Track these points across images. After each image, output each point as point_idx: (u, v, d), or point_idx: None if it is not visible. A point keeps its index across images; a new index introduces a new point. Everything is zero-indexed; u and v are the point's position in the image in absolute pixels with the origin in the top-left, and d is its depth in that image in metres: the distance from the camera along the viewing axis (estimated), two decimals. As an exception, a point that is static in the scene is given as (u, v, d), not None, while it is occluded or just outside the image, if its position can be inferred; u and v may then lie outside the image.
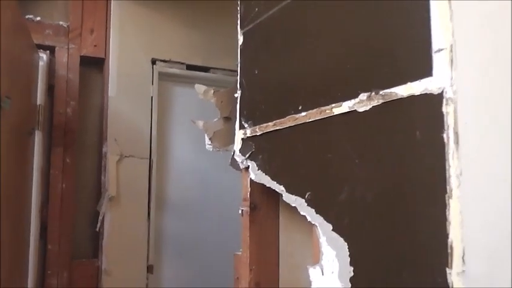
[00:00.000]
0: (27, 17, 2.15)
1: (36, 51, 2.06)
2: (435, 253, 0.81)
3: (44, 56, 2.13)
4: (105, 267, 2.13)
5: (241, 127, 1.47)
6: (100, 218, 2.16)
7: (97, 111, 2.35)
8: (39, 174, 2.03)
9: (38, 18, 2.19)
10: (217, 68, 2.59)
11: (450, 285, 0.78)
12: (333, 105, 1.07)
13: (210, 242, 2.47)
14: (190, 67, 2.53)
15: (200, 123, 1.67)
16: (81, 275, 2.13)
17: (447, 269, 0.78)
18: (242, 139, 1.45)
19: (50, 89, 2.18)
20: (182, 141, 2.53)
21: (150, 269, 2.26)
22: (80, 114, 2.26)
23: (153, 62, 2.42)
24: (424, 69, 0.84)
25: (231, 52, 2.56)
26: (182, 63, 2.51)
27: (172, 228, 2.42)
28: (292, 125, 1.21)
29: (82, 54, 2.26)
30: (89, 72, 2.34)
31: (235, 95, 1.53)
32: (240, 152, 1.45)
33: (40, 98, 2.08)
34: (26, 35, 1.81)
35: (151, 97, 2.39)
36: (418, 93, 0.86)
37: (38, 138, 2.04)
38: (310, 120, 1.14)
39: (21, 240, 1.84)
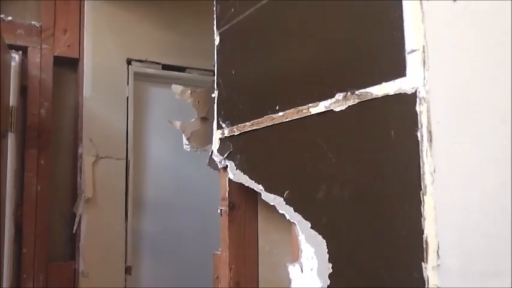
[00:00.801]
0: (-2, 16, 2.11)
1: (7, 51, 2.02)
2: (411, 249, 0.83)
3: (16, 56, 2.10)
4: (82, 269, 2.11)
5: (219, 127, 1.47)
6: (77, 219, 2.14)
7: (71, 111, 2.32)
8: (13, 176, 2.00)
9: (10, 18, 2.15)
10: (193, 68, 2.59)
11: (426, 279, 0.80)
12: (310, 105, 1.08)
13: (188, 241, 2.47)
14: (166, 67, 2.53)
15: (177, 124, 1.67)
16: (58, 277, 2.10)
17: (423, 264, 0.80)
18: (220, 139, 1.46)
19: (23, 89, 2.15)
20: (159, 141, 2.52)
21: (128, 270, 2.25)
22: (54, 115, 2.23)
23: (129, 62, 2.40)
24: (398, 70, 0.86)
25: (207, 52, 2.56)
26: (158, 63, 2.50)
27: (150, 228, 2.42)
28: (270, 124, 1.22)
29: (55, 55, 2.23)
30: (63, 73, 2.31)
31: (212, 95, 1.53)
32: (218, 152, 1.46)
33: (13, 99, 2.04)
34: (-3, 35, 1.78)
35: (127, 97, 2.37)
36: (392, 93, 0.88)
37: (10, 140, 2.01)
38: (287, 119, 1.16)
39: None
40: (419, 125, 0.82)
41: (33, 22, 2.21)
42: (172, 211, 2.48)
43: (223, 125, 1.45)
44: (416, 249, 0.82)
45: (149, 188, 2.45)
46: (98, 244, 2.17)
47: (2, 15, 2.13)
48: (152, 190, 2.45)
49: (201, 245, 2.36)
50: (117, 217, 2.25)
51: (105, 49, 2.33)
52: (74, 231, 2.16)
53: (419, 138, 0.82)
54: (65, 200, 2.23)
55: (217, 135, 1.48)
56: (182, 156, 2.43)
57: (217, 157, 1.46)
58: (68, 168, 2.26)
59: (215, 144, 1.49)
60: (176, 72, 2.55)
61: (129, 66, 2.41)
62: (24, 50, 2.17)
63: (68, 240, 2.21)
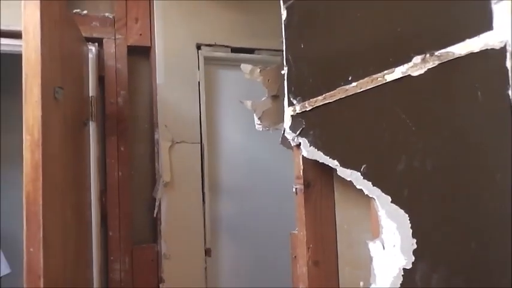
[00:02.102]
0: (74, 11, 2.20)
1: (85, 43, 2.10)
2: (504, 221, 0.75)
3: (92, 48, 2.18)
4: (164, 252, 2.17)
5: (290, 104, 1.44)
6: (157, 203, 2.20)
7: (146, 98, 2.38)
8: (96, 163, 2.09)
9: (85, 12, 2.23)
10: (262, 49, 2.57)
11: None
12: (385, 72, 1.02)
13: (265, 222, 2.47)
14: (235, 50, 2.52)
15: (248, 103, 1.66)
16: (142, 259, 2.18)
17: (519, 236, 0.73)
18: (291, 116, 1.42)
19: (100, 80, 2.23)
20: (231, 124, 2.53)
21: (208, 252, 2.29)
22: (131, 103, 2.30)
23: (198, 47, 2.42)
24: (483, 23, 0.78)
25: (275, 32, 2.53)
26: (227, 47, 2.50)
27: (227, 210, 2.44)
28: (343, 96, 1.17)
29: (129, 44, 2.29)
30: (136, 61, 2.37)
31: (282, 72, 1.50)
32: (290, 130, 1.42)
33: (92, 89, 2.13)
34: (74, 29, 1.84)
35: (198, 82, 2.40)
36: (478, 50, 0.80)
37: (92, 128, 2.10)
38: (361, 90, 1.10)
39: (84, 228, 1.90)
40: (510, 83, 0.74)
41: (106, 14, 2.28)
42: (247, 193, 2.49)
43: (294, 102, 1.41)
44: (508, 221, 0.74)
45: (224, 171, 2.47)
46: (177, 227, 2.22)
47: (78, 10, 2.21)
48: (227, 172, 2.47)
49: (278, 225, 2.35)
50: (195, 200, 2.29)
51: (175, 35, 2.36)
52: (154, 215, 2.23)
53: (511, 97, 0.74)
54: (145, 185, 2.30)
55: (288, 112, 1.45)
56: (255, 137, 2.43)
57: (289, 135, 1.43)
58: (145, 154, 2.33)
59: (287, 122, 1.45)
60: (245, 55, 2.54)
61: (199, 51, 2.42)
62: (99, 41, 2.24)
63: (149, 224, 2.28)
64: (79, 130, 1.87)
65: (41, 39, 1.23)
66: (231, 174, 2.48)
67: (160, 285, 2.16)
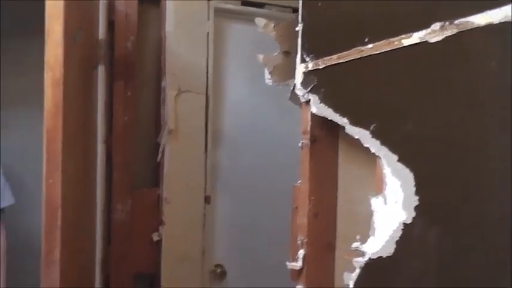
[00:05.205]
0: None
1: (97, -14, 2.09)
2: (504, 180, 0.82)
3: (104, -9, 2.17)
4: (165, 196, 2.24)
5: (303, 61, 1.47)
6: (160, 149, 2.26)
7: (155, 46, 2.39)
8: (103, 106, 2.12)
9: (98, -47, 2.21)
10: (272, 4, 2.57)
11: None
12: (402, 36, 1.05)
13: (265, 175, 2.54)
14: (245, 3, 2.52)
15: (260, 57, 1.68)
16: (143, 202, 2.26)
17: (517, 197, 0.79)
18: (303, 73, 1.46)
19: (110, 24, 2.23)
20: (237, 77, 2.56)
21: (207, 199, 2.37)
22: (139, 49, 2.32)
23: (209, -3, 2.42)
24: (506, -4, 0.82)
25: (286, -13, 2.53)
26: (237, -1, 2.50)
27: (228, 161, 2.51)
28: (358, 57, 1.21)
29: (140, -11, 2.29)
30: (147, 8, 2.37)
31: (296, 29, 1.52)
32: (301, 86, 1.46)
33: (101, 33, 2.13)
34: (89, -30, 1.84)
35: (207, 33, 2.41)
36: (497, 22, 0.84)
37: (100, 72, 2.12)
38: (377, 52, 1.13)
39: (92, 167, 1.96)
40: (526, 55, 0.78)
41: (118, -43, 2.26)
42: (249, 145, 2.55)
43: (307, 59, 1.44)
44: (508, 180, 0.81)
45: (227, 123, 2.52)
46: (179, 173, 2.28)
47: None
48: (230, 125, 2.52)
49: (277, 178, 2.43)
50: (197, 149, 2.35)
51: (186, -16, 2.35)
52: (158, 160, 2.29)
53: (525, 69, 0.79)
54: (150, 131, 2.35)
55: (300, 69, 1.48)
56: (259, 91, 2.47)
57: (300, 91, 1.47)
58: (151, 101, 2.37)
59: (298, 78, 1.49)
60: (255, 8, 2.54)
61: (209, 1, 2.42)
62: (111, -15, 2.23)
63: (152, 169, 2.35)
64: (90, 73, 1.89)
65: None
66: (234, 127, 2.53)
67: (160, 228, 2.24)
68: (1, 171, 2.27)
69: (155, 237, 2.24)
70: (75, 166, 1.50)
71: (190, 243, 2.32)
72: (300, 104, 1.53)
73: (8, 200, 2.26)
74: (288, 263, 1.46)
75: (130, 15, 2.26)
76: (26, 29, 2.45)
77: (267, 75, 1.71)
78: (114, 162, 2.20)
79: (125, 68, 2.23)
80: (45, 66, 1.25)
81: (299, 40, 1.49)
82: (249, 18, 2.49)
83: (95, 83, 2.05)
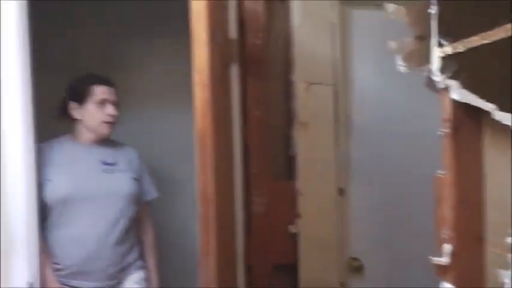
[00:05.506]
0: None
1: (227, -12, 2.19)
2: None
3: (234, -8, 2.26)
4: (298, 188, 2.28)
5: (439, 45, 1.40)
6: (292, 142, 2.30)
7: (282, 40, 2.44)
8: (238, 103, 2.22)
9: (225, -43, 2.30)
10: (400, -13, 2.46)
11: None
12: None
13: (399, 164, 2.47)
14: (369, -11, 2.46)
15: (393, 44, 1.63)
16: (279, 195, 2.31)
17: None
18: (441, 57, 1.39)
19: (240, 23, 2.32)
20: (365, 65, 2.51)
21: (340, 191, 2.36)
22: (268, 45, 2.38)
23: (333, -13, 2.40)
24: None
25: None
26: (362, -14, 2.45)
27: (359, 152, 2.47)
28: (504, 36, 1.12)
29: (266, -13, 2.34)
30: (273, 4, 2.42)
31: (430, 11, 1.45)
32: (439, 72, 1.40)
33: (232, 32, 2.23)
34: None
35: (334, 23, 2.39)
36: None
37: (234, 69, 2.22)
38: (528, 29, 1.04)
39: (231, 163, 2.07)
40: None
41: (246, -43, 2.33)
42: (382, 135, 2.48)
43: (445, 42, 1.37)
44: None
45: (358, 113, 2.48)
46: (312, 166, 2.31)
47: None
48: (361, 114, 2.48)
49: (413, 167, 2.35)
50: (329, 140, 2.35)
51: (311, -23, 2.36)
52: (290, 154, 2.33)
53: None
54: (281, 124, 2.40)
55: (437, 53, 1.41)
56: (389, 79, 2.40)
57: (438, 77, 1.40)
58: (281, 94, 2.41)
59: (435, 64, 1.42)
60: (381, -7, 2.46)
61: (334, -9, 2.40)
62: (238, -15, 2.32)
63: (285, 162, 2.40)
64: (226, 71, 2.00)
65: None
66: (364, 116, 2.48)
67: (296, 220, 2.29)
68: (145, 166, 2.44)
69: (292, 230, 2.30)
70: (223, 162, 1.60)
71: (326, 235, 2.34)
72: (437, 90, 1.46)
73: (152, 194, 2.43)
74: (432, 258, 1.41)
75: (259, 13, 2.32)
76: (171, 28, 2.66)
77: (400, 62, 1.65)
78: (250, 155, 2.29)
79: (256, 64, 2.31)
80: (193, 68, 1.36)
81: (433, 23, 1.43)
82: (373, 5, 2.44)
83: (229, 80, 2.15)
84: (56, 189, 2.09)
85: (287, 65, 2.39)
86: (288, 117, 2.38)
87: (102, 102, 2.19)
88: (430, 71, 1.47)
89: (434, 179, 1.50)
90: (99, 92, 2.20)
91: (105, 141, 2.27)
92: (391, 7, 1.68)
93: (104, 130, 2.22)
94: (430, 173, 1.54)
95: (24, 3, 1.84)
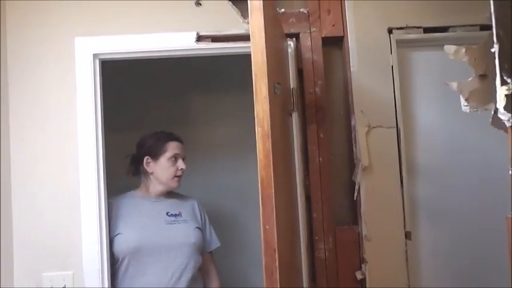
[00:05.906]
0: (273, 10, 2.39)
1: (285, 39, 2.28)
2: None
3: (291, 43, 2.35)
4: (365, 233, 2.25)
5: (504, 83, 1.38)
6: (356, 187, 2.29)
7: (341, 86, 2.48)
8: (299, 150, 2.26)
9: (283, 10, 2.40)
10: (456, 26, 2.46)
11: None
12: None
13: (467, 205, 2.38)
14: (427, 30, 2.46)
15: (454, 85, 1.62)
16: (344, 240, 2.29)
17: None
18: (506, 95, 1.37)
19: (299, 72, 2.39)
20: (426, 106, 2.48)
21: (408, 235, 2.30)
22: (327, 92, 2.42)
23: (389, 31, 2.42)
24: None
25: (470, 6, 2.41)
26: (419, 27, 2.46)
27: (425, 193, 2.41)
28: None
29: (323, 36, 2.40)
30: (330, 51, 2.48)
31: (492, 50, 1.44)
32: (504, 110, 1.37)
33: (292, 81, 2.30)
34: (280, 27, 2.02)
35: (392, 66, 2.40)
36: None
37: (294, 118, 2.27)
38: None
39: (295, 210, 2.08)
40: None
41: (301, 9, 2.42)
42: (447, 175, 2.42)
43: (509, 80, 1.35)
44: None
45: (421, 153, 2.44)
46: (377, 210, 2.27)
47: (277, 8, 2.39)
48: (425, 155, 2.43)
49: (482, 208, 2.26)
50: (393, 183, 2.31)
51: (366, 22, 2.40)
52: (354, 198, 2.32)
53: None
54: (344, 169, 2.40)
55: (502, 91, 1.39)
56: (452, 118, 2.37)
57: (504, 115, 1.37)
58: (343, 140, 2.43)
59: (500, 102, 1.40)
60: (438, 34, 2.46)
61: (391, 35, 2.42)
62: (296, 36, 2.40)
63: (349, 206, 2.38)
64: (286, 120, 2.05)
65: (265, 41, 1.40)
66: (429, 157, 2.44)
67: (363, 266, 2.24)
68: (207, 216, 2.50)
69: (359, 276, 2.25)
70: (285, 211, 1.62)
71: (395, 281, 2.26)
72: (504, 128, 1.42)
73: (215, 243, 2.49)
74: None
75: (317, 61, 2.39)
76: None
77: (463, 102, 1.63)
78: (313, 202, 2.29)
79: (316, 112, 2.35)
80: (256, 122, 1.41)
81: (496, 61, 1.41)
82: (432, 45, 2.45)
83: (291, 129, 2.20)
84: (125, 242, 2.18)
85: (347, 110, 2.42)
86: (351, 162, 2.38)
87: (174, 157, 2.31)
88: (495, 110, 1.44)
89: (507, 220, 1.44)
90: (172, 147, 2.33)
91: (169, 193, 2.38)
92: (451, 48, 1.68)
93: (174, 184, 2.33)
94: (502, 213, 1.48)
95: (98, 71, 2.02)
